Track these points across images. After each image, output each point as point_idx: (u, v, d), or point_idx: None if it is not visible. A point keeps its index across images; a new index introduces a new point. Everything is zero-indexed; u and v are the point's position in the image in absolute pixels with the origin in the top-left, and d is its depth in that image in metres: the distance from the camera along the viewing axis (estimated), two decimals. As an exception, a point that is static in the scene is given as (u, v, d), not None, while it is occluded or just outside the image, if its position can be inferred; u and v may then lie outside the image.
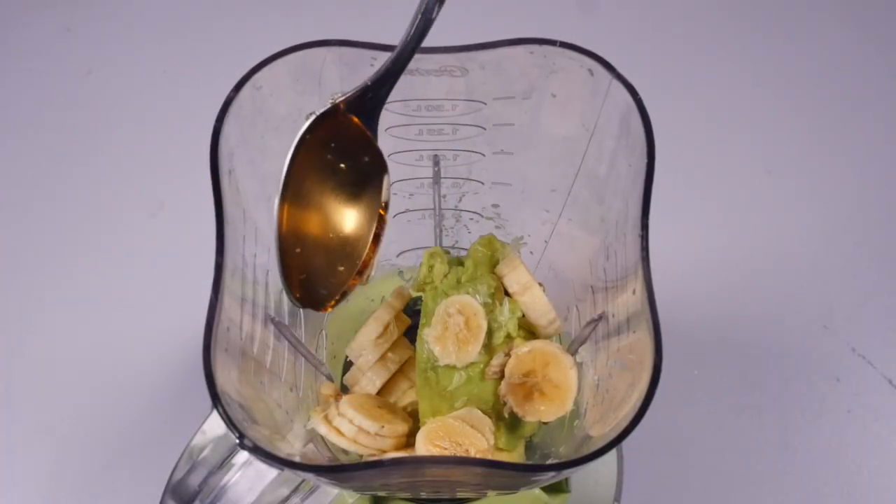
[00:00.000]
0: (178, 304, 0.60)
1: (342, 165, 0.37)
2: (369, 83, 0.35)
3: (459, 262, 0.42)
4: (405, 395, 0.45)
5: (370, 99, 0.35)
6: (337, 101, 0.35)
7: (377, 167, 0.37)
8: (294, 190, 0.36)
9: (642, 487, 0.53)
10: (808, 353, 0.60)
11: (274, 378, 0.39)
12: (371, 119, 0.36)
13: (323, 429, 0.38)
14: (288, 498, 0.41)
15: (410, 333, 0.46)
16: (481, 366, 0.39)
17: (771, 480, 0.56)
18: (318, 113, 0.35)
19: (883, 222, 0.65)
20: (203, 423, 0.41)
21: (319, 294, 0.38)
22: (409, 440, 0.40)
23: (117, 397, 0.58)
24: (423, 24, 0.33)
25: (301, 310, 0.44)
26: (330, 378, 0.46)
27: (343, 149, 0.37)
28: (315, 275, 0.38)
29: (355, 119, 0.36)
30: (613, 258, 0.37)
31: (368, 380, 0.45)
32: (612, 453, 0.49)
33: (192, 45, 0.73)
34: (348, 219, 0.38)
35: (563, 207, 0.43)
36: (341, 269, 0.38)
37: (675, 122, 0.50)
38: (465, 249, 0.44)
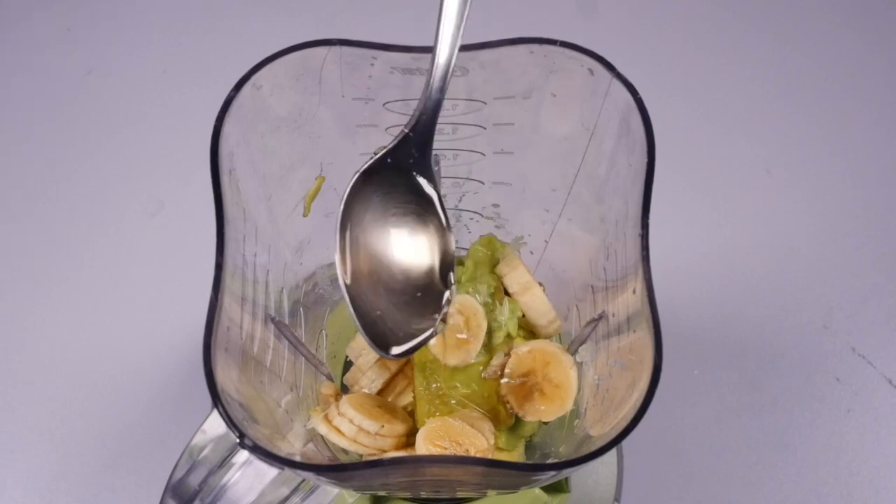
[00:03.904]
0: (178, 304, 0.60)
1: (401, 215, 0.37)
2: (409, 133, 0.35)
3: (459, 262, 0.42)
4: (405, 395, 0.45)
5: (416, 146, 0.35)
6: (379, 154, 0.35)
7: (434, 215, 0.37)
8: (356, 241, 0.36)
9: (642, 487, 0.53)
10: (808, 353, 0.60)
11: (274, 378, 0.39)
12: (423, 168, 0.36)
13: (323, 428, 0.38)
14: (288, 498, 0.41)
15: (410, 333, 0.46)
16: (481, 366, 0.39)
17: (771, 480, 0.56)
18: (360, 171, 0.35)
19: (883, 222, 0.65)
20: (203, 422, 0.41)
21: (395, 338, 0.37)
22: (408, 440, 0.40)
23: (117, 397, 0.58)
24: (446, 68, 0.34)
25: (301, 309, 0.44)
26: (330, 378, 0.46)
27: (397, 201, 0.36)
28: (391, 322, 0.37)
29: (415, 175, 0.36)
30: (613, 258, 0.37)
31: (368, 380, 0.45)
32: (612, 453, 0.49)
33: (192, 45, 0.73)
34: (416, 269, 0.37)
35: (563, 207, 0.43)
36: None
37: (675, 122, 0.50)
38: (465, 249, 0.44)
